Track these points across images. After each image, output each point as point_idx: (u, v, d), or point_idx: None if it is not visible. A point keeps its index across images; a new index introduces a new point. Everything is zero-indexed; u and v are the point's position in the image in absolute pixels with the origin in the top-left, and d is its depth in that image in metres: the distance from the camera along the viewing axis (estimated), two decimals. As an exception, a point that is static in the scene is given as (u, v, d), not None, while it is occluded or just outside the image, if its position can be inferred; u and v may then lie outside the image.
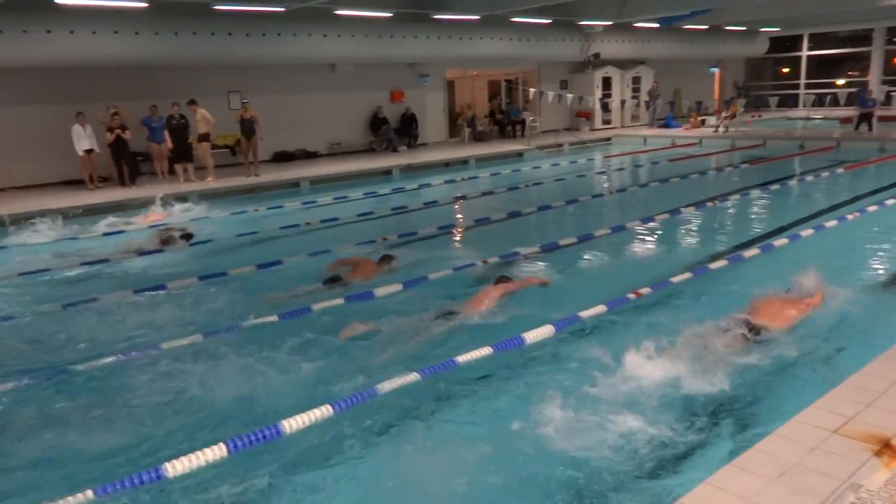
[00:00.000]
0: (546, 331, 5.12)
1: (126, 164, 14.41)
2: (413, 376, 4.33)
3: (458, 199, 12.46)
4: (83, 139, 13.95)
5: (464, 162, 17.36)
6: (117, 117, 14.07)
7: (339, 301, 6.27)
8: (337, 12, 16.06)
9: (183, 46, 14.82)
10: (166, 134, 14.53)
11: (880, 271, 6.77)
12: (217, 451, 3.54)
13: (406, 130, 20.17)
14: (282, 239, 9.65)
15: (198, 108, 14.59)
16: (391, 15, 17.02)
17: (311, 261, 8.05)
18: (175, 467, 3.42)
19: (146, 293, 6.95)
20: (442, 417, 4.22)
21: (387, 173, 15.89)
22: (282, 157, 18.02)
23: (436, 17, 17.65)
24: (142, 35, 14.28)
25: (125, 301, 6.76)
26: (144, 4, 13.27)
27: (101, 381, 4.94)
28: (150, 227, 10.50)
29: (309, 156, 18.60)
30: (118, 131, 14.01)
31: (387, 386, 4.20)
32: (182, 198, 12.90)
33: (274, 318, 5.85)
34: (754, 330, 4.94)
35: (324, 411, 3.89)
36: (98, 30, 13.79)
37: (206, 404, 4.46)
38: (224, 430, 4.03)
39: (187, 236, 9.55)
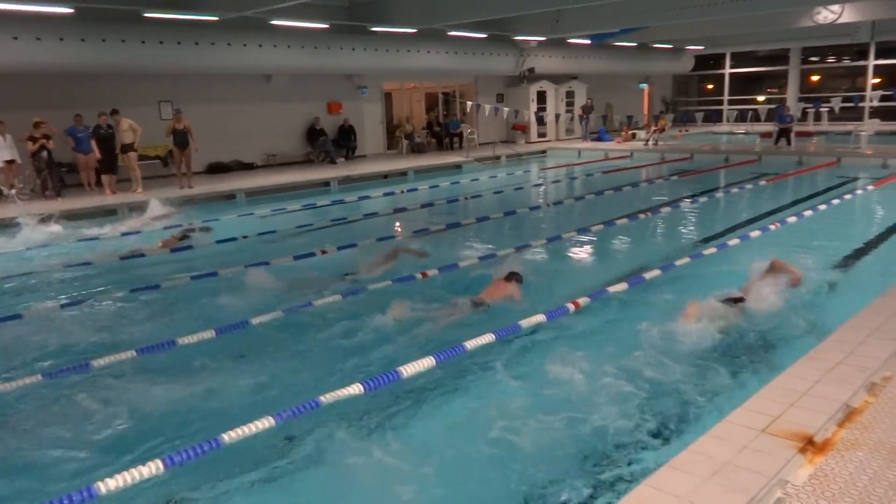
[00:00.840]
0: (487, 338, 5.18)
1: (51, 175, 13.84)
2: (356, 388, 4.32)
3: (398, 210, 12.47)
4: (2, 149, 13.33)
5: (403, 174, 17.39)
6: (41, 127, 13.51)
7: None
8: (273, 23, 15.92)
9: (111, 54, 14.37)
10: (94, 144, 14.04)
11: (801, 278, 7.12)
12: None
13: (344, 142, 20.08)
14: (217, 254, 9.43)
15: (122, 118, 14.16)
16: (328, 27, 16.98)
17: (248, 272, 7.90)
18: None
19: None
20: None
21: (325, 185, 15.77)
22: (216, 169, 17.65)
23: (373, 29, 17.70)
24: (67, 42, 13.77)
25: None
26: (70, 10, 12.82)
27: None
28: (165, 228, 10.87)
29: (245, 167, 18.29)
30: (42, 141, 13.45)
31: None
32: (111, 210, 12.47)
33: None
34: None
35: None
36: (20, 35, 13.22)
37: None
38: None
39: (206, 229, 10.42)
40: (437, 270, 7.62)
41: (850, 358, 4.24)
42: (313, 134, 19.48)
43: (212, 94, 17.54)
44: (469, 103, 21.34)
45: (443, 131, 23.05)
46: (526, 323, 5.51)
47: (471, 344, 5.05)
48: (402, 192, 14.88)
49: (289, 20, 15.73)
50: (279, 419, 3.89)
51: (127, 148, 14.28)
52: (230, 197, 14.32)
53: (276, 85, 18.55)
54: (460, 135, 22.55)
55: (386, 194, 14.52)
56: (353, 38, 18.28)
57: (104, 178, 14.24)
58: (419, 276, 7.24)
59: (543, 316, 5.69)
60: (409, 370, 4.37)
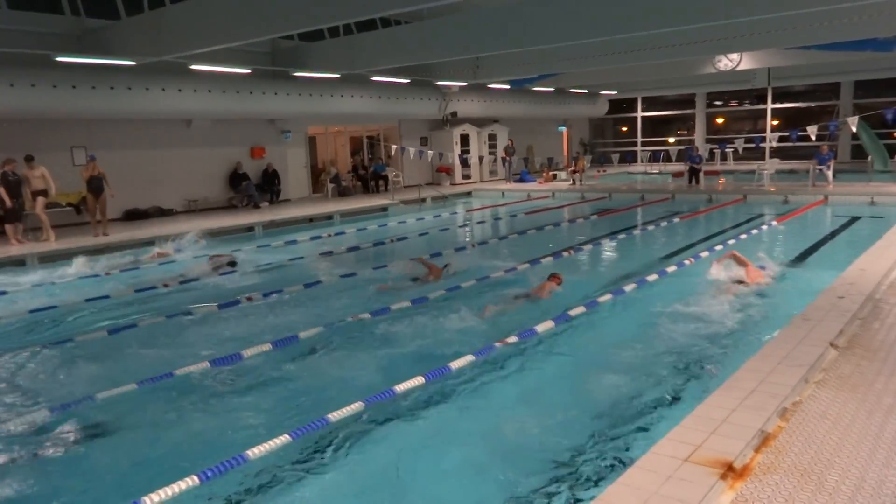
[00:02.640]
0: (417, 381, 5.22)
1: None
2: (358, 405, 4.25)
3: (324, 254, 12.38)
4: None
5: (328, 217, 17.32)
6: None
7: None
8: (193, 67, 15.75)
9: (19, 99, 13.83)
10: (2, 191, 13.36)
11: (714, 311, 7.47)
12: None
13: (268, 186, 19.87)
14: (137, 302, 9.10)
15: (35, 165, 13.60)
16: (250, 71, 16.92)
17: (172, 322, 7.68)
18: None
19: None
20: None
21: (249, 230, 15.51)
22: (134, 216, 17.09)
23: (296, 74, 17.75)
24: (-28, 86, 13.19)
25: None
26: (-24, 54, 12.33)
27: None
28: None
29: (164, 213, 17.79)
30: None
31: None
32: (19, 261, 11.86)
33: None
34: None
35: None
36: (-80, 80, 12.58)
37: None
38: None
39: (232, 263, 10.94)
40: (369, 314, 7.61)
41: (763, 385, 4.48)
42: (236, 178, 19.19)
43: (129, 139, 17.08)
44: (394, 146, 21.56)
45: (368, 174, 23.15)
46: (455, 365, 5.57)
47: (400, 388, 5.06)
48: (329, 235, 14.80)
49: (209, 65, 15.60)
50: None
51: (38, 193, 13.68)
52: (149, 244, 13.87)
53: (196, 129, 18.26)
54: (386, 177, 22.70)
55: (312, 238, 14.40)
56: (275, 83, 18.26)
57: (8, 227, 13.52)
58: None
59: (472, 356, 5.77)
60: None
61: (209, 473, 3.85)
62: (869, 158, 20.69)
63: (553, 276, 8.54)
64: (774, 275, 8.66)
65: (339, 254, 12.43)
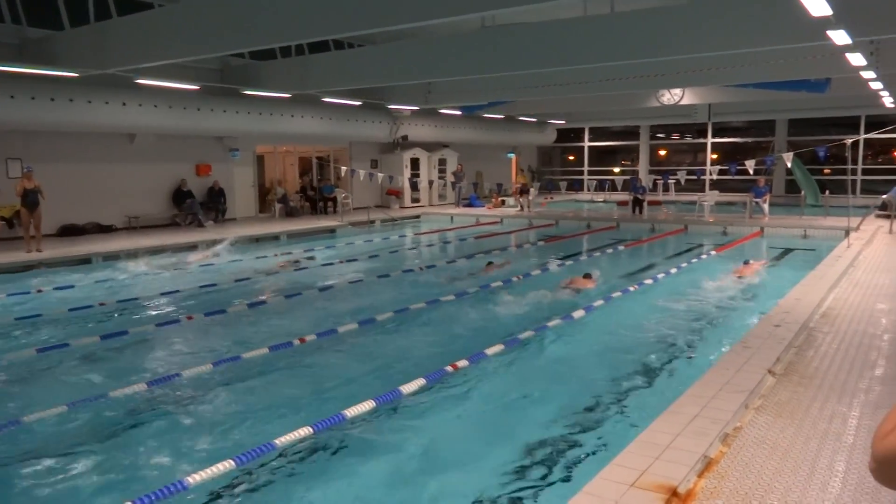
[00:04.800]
0: (366, 406, 5.14)
1: None
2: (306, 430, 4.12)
3: (269, 274, 12.17)
4: None
5: (275, 238, 17.06)
6: None
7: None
8: (139, 81, 15.39)
9: (-48, 107, 13.27)
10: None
11: (655, 337, 7.64)
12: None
13: (213, 205, 19.48)
14: (70, 321, 8.75)
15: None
16: (198, 88, 16.65)
17: (106, 343, 7.40)
18: None
19: None
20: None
21: (192, 248, 15.13)
22: (69, 231, 16.47)
23: (246, 92, 17.55)
24: None
25: None
26: None
27: None
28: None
29: (103, 230, 17.21)
30: None
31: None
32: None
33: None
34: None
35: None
36: None
37: None
38: None
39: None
40: (315, 335, 7.50)
41: (705, 411, 4.57)
42: (180, 196, 18.76)
43: (68, 152, 16.53)
44: (343, 168, 21.48)
45: (317, 195, 22.96)
46: (406, 389, 5.52)
47: (351, 411, 4.98)
48: (276, 255, 14.58)
49: (156, 80, 15.27)
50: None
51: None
52: (85, 261, 13.40)
53: (140, 144, 17.81)
54: (334, 199, 22.55)
55: (258, 258, 14.15)
56: (224, 100, 18.00)
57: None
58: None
59: (423, 379, 5.73)
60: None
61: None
62: (802, 193, 21.65)
63: (587, 276, 9.92)
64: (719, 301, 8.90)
65: (284, 273, 12.24)
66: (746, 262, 11.56)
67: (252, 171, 21.40)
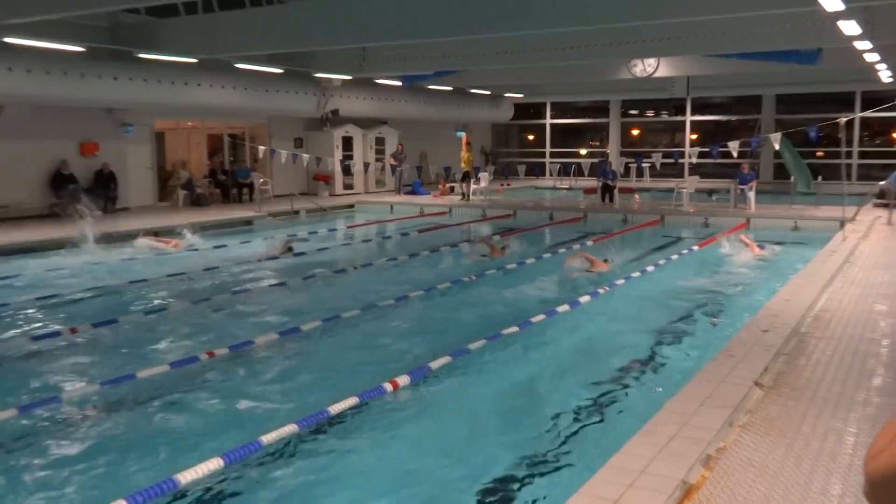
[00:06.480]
0: (288, 429, 5.12)
1: None
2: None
3: (172, 276, 11.90)
4: None
5: (178, 232, 16.69)
6: None
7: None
8: (7, 40, 14.81)
9: None
10: None
11: (628, 347, 7.78)
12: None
13: (102, 191, 18.95)
14: None
15: None
16: (83, 50, 16.14)
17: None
18: None
19: None
20: None
21: (76, 244, 14.67)
22: (-80, 224, 15.80)
23: (141, 56, 17.11)
24: None
25: None
26: None
27: None
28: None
29: (-38, 221, 16.56)
30: None
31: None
32: None
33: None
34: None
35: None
36: None
37: None
38: None
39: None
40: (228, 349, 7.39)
41: (684, 430, 4.67)
42: (60, 180, 18.18)
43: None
44: (262, 148, 21.17)
45: (229, 180, 22.57)
46: (335, 408, 5.50)
47: (266, 438, 4.94)
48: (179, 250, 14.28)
49: (30, 39, 14.74)
50: None
51: None
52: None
53: (10, 118, 17.16)
54: (251, 185, 22.22)
55: (158, 255, 13.82)
56: (115, 65, 17.50)
57: None
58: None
59: (356, 398, 5.70)
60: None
61: None
62: (792, 179, 22.32)
63: (606, 260, 11.78)
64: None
65: (192, 274, 12.01)
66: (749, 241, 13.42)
67: (150, 150, 20.92)
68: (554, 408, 5.94)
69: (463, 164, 23.84)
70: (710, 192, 23.93)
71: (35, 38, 14.75)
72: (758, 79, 25.78)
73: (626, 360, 7.24)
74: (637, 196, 23.46)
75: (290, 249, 14.15)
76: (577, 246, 14.80)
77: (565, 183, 29.59)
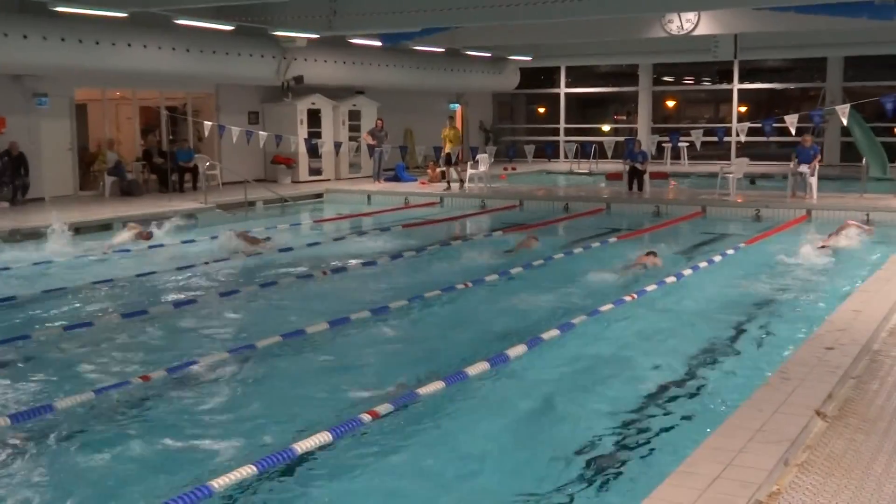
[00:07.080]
0: (246, 471, 5.16)
1: None
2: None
3: (100, 283, 11.91)
4: None
5: (105, 227, 16.72)
6: None
7: None
8: None
9: None
10: None
11: (661, 367, 7.82)
12: None
13: (9, 178, 18.96)
14: None
15: None
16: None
17: None
18: None
19: None
20: None
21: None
22: None
23: (59, 9, 17.07)
24: None
25: None
26: None
27: None
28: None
29: None
30: None
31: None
32: None
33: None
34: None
35: None
36: None
37: None
38: None
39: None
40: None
41: (729, 470, 4.70)
42: (-42, 164, 18.22)
43: None
44: (207, 124, 21.16)
45: (168, 164, 22.55)
46: (303, 446, 5.54)
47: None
48: (107, 252, 14.26)
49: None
50: None
51: None
52: None
53: None
54: (194, 169, 22.20)
55: (77, 257, 13.81)
56: (24, 21, 17.51)
57: None
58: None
59: (329, 434, 5.75)
60: None
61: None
62: (863, 162, 22.25)
63: (650, 253, 12.46)
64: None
65: (121, 281, 12.03)
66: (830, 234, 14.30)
67: (69, 127, 20.94)
68: (568, 443, 5.97)
69: (448, 144, 23.15)
70: (751, 180, 23.87)
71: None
72: (822, 37, 25.78)
73: (658, 383, 7.28)
74: (673, 182, 23.53)
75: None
76: (612, 239, 14.87)
77: (584, 167, 29.60)
